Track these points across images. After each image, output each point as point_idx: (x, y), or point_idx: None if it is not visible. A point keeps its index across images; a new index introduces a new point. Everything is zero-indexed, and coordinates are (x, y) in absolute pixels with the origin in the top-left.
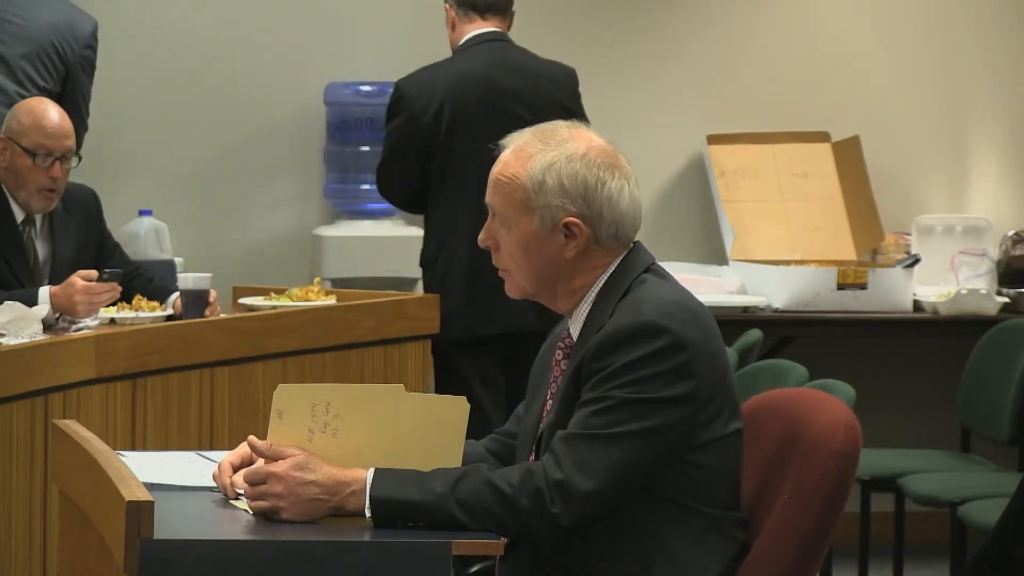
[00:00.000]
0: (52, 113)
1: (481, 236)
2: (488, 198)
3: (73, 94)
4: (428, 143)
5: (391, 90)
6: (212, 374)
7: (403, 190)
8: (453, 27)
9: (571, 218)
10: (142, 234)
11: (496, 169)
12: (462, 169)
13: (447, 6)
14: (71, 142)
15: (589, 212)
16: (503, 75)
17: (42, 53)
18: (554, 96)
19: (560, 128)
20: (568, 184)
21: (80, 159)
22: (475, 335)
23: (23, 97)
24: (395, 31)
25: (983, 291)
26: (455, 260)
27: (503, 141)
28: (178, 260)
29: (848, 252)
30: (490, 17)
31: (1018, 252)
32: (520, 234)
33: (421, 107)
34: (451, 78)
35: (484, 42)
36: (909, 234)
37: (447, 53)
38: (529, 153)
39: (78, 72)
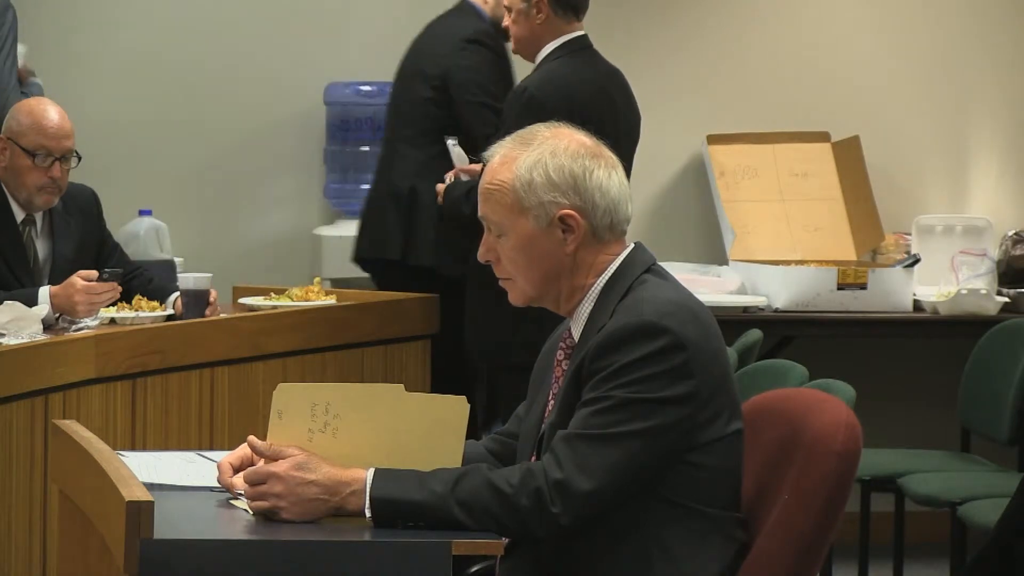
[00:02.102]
0: (52, 113)
1: (480, 252)
2: (480, 210)
3: None
4: None
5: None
6: (212, 374)
7: None
8: (542, 23)
9: (565, 211)
10: (142, 234)
11: (483, 179)
12: None
13: (541, 0)
14: (71, 143)
15: (582, 203)
16: (614, 89)
17: None
18: (633, 101)
19: (540, 129)
20: (556, 178)
21: (80, 159)
22: None
23: None
24: (395, 31)
25: (983, 291)
26: None
27: (487, 153)
28: (178, 260)
29: (848, 252)
30: (581, 19)
31: (1018, 252)
32: (518, 237)
33: (561, 112)
34: (581, 87)
35: (587, 48)
36: (909, 234)
37: None
38: (513, 157)
39: None
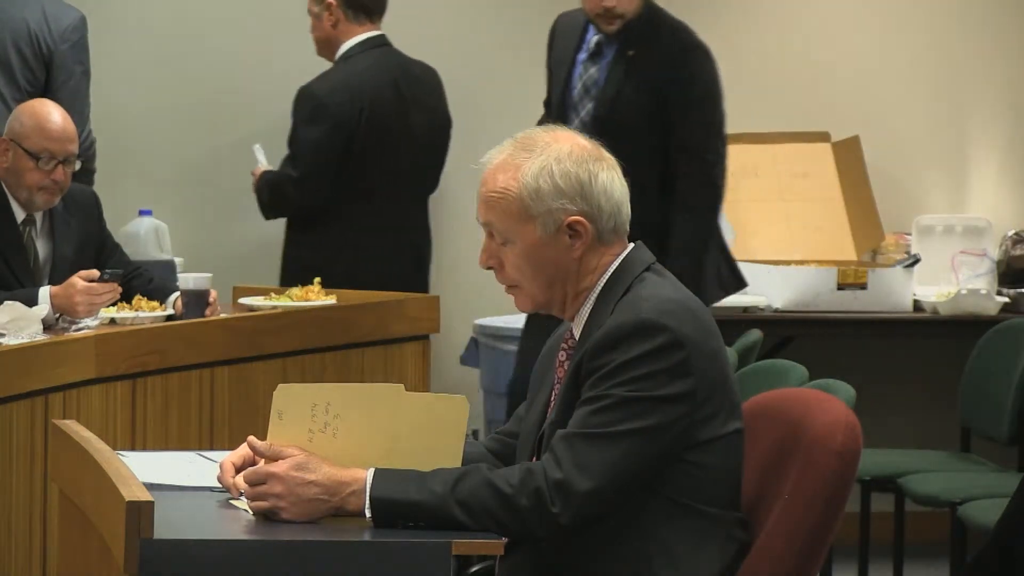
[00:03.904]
0: (55, 116)
1: (481, 258)
2: (482, 217)
3: (58, 92)
4: (349, 151)
5: None
6: (212, 374)
7: (319, 196)
8: (334, 25)
9: (574, 217)
10: (142, 234)
11: (485, 186)
12: (372, 180)
13: (331, 4)
14: (74, 146)
15: (589, 208)
16: (405, 84)
17: (21, 48)
18: (437, 100)
19: (539, 134)
20: (563, 184)
21: (82, 163)
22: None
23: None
24: (395, 31)
25: (983, 291)
26: (368, 275)
27: (484, 159)
28: (178, 260)
29: (848, 252)
30: (376, 20)
31: (1018, 252)
32: (525, 245)
33: (346, 113)
34: (367, 84)
35: (380, 46)
36: (909, 234)
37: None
38: (516, 163)
39: (59, 68)
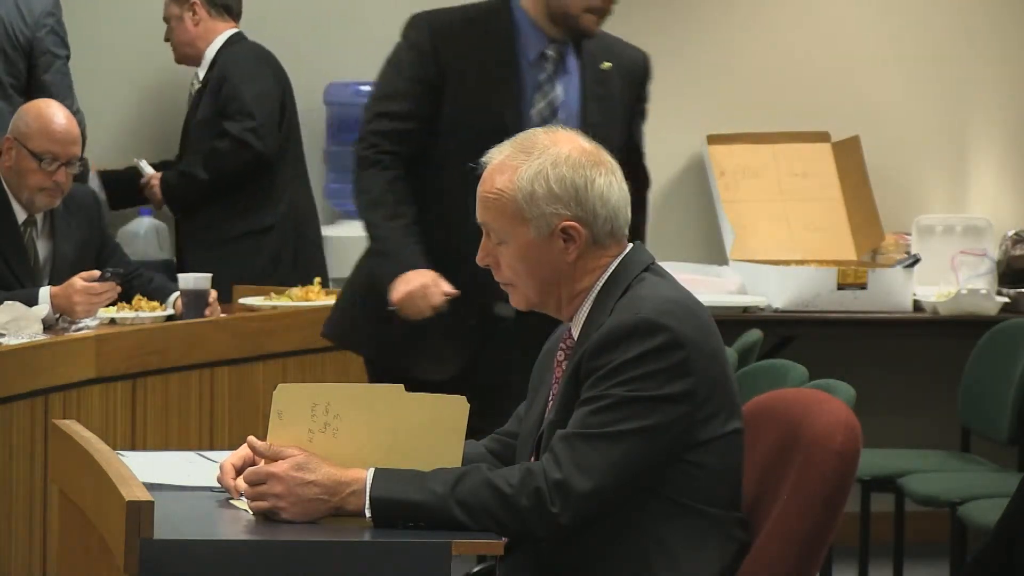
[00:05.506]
0: (60, 118)
1: (479, 256)
2: (480, 216)
3: (41, 79)
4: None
5: None
6: (212, 374)
7: (277, 144)
8: (197, 24)
9: (567, 222)
10: (142, 234)
11: (483, 186)
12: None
13: (195, 4)
14: (77, 148)
15: (583, 213)
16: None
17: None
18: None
19: (539, 135)
20: (558, 189)
21: (84, 164)
22: None
23: None
24: (395, 31)
25: (983, 291)
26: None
27: (485, 158)
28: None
29: (848, 252)
30: (236, 20)
31: (1018, 252)
32: (518, 246)
33: (277, 81)
34: (275, 65)
35: (245, 39)
36: (909, 234)
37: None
38: (513, 165)
39: (39, 56)
